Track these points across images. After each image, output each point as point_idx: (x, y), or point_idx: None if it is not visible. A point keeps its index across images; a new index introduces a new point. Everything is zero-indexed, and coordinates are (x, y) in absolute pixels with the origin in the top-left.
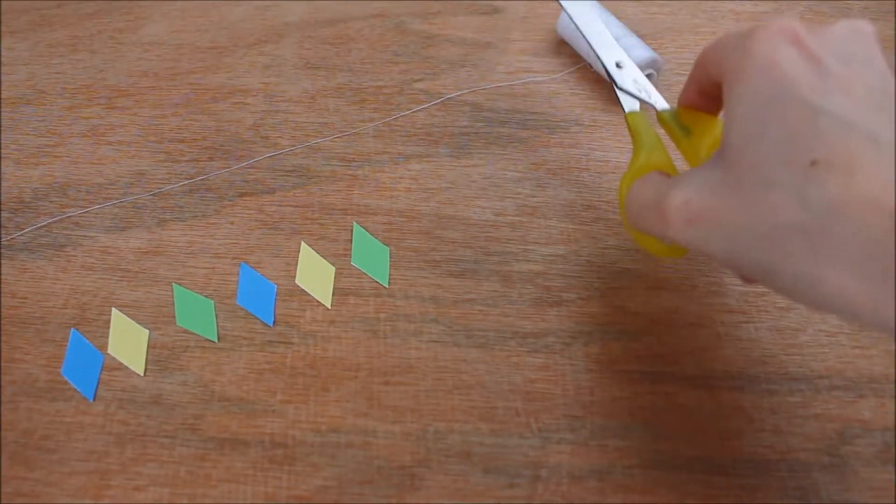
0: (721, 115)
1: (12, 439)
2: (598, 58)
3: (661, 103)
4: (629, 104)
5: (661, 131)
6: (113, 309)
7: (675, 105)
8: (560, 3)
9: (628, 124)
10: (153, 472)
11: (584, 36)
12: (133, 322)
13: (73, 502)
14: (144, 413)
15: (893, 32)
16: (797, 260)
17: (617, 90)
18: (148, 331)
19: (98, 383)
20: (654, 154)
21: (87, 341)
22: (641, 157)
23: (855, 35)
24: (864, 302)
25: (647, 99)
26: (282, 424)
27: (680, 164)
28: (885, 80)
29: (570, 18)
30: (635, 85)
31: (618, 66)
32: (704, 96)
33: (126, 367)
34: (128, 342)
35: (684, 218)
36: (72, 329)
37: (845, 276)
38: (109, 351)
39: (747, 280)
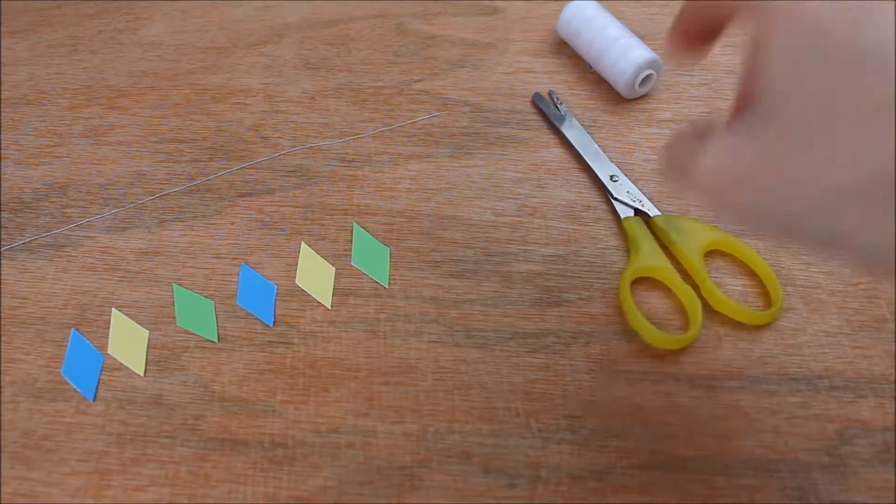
0: (742, 59)
1: (12, 439)
2: (595, 173)
3: (653, 210)
4: (624, 211)
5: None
6: (113, 309)
7: (667, 46)
8: (561, 130)
9: (624, 229)
10: (153, 473)
11: (579, 153)
12: (133, 322)
13: (73, 502)
14: (144, 413)
15: None
16: (875, 226)
17: (612, 200)
18: (148, 331)
19: (98, 383)
20: (650, 254)
21: (87, 341)
22: (640, 256)
23: None
24: None
25: (640, 207)
26: (282, 425)
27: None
28: None
29: (568, 139)
30: (629, 195)
31: (612, 179)
32: (700, 37)
33: (126, 368)
34: (128, 342)
35: (733, 173)
36: (72, 329)
37: None
38: (109, 351)
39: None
